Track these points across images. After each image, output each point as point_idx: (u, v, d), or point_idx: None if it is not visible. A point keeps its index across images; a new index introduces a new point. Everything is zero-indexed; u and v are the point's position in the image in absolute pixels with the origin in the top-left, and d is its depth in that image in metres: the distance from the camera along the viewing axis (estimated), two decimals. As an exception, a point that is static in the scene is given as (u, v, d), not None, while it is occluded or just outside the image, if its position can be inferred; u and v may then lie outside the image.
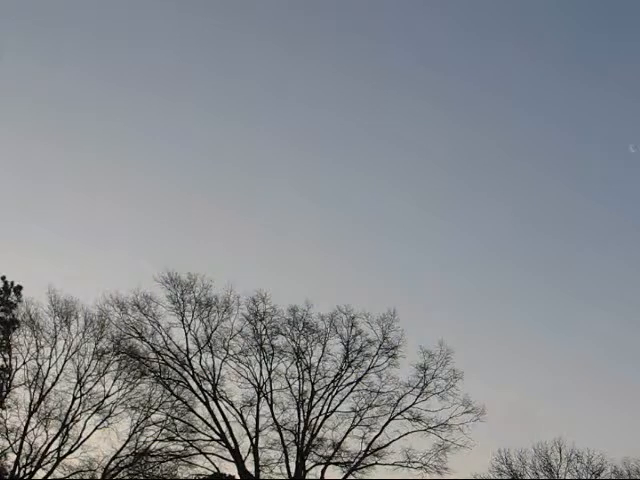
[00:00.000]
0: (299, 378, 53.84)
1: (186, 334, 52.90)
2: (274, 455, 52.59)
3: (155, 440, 51.23)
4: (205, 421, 51.71)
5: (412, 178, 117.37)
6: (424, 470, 52.10)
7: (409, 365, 54.39)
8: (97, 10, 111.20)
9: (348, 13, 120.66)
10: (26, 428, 48.29)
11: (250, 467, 51.09)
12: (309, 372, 53.85)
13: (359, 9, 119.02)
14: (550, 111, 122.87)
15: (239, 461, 50.77)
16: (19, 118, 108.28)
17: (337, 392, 53.71)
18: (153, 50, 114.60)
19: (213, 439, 51.33)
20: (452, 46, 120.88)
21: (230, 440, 51.10)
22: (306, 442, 52.16)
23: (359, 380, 54.01)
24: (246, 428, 51.92)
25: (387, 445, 52.84)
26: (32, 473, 47.87)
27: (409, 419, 53.39)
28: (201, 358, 52.89)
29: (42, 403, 49.19)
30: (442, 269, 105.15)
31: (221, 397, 52.51)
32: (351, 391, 53.89)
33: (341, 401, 53.66)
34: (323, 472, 52.02)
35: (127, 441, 50.05)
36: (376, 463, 52.86)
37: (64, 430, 48.87)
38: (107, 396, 50.38)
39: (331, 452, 52.78)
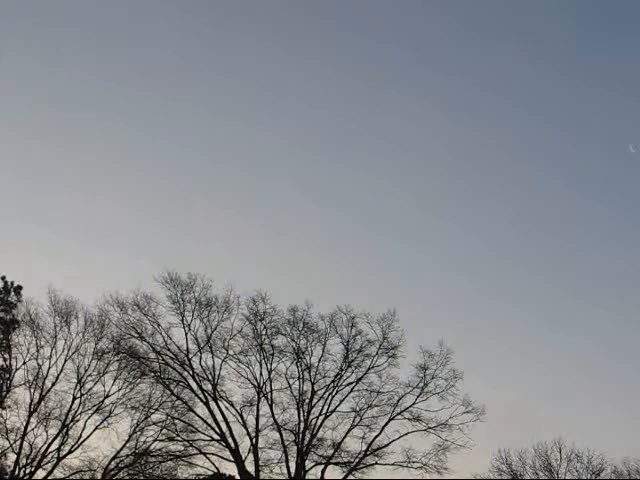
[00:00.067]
0: (299, 378, 53.87)
1: (186, 334, 52.96)
2: (274, 455, 52.72)
3: (155, 440, 51.25)
4: (205, 421, 51.73)
5: (412, 178, 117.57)
6: (424, 470, 52.18)
7: (409, 365, 54.52)
8: (97, 10, 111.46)
9: (348, 13, 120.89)
10: (26, 428, 48.30)
11: (250, 467, 51.17)
12: (309, 372, 53.87)
13: (359, 9, 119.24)
14: (550, 111, 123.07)
15: (239, 461, 50.78)
16: (19, 118, 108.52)
17: (337, 392, 53.75)
18: (153, 50, 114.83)
19: (213, 439, 51.34)
20: (452, 46, 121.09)
21: (230, 440, 51.12)
22: (306, 442, 52.17)
23: (359, 380, 54.03)
24: (246, 428, 51.96)
25: (387, 445, 52.90)
26: (32, 473, 47.87)
27: (409, 419, 53.43)
28: (201, 358, 53.00)
29: (42, 403, 49.21)
30: (442, 269, 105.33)
31: (221, 397, 52.56)
32: (351, 391, 53.96)
33: (341, 401, 53.72)
34: (323, 472, 52.04)
35: (127, 441, 50.07)
36: (376, 463, 52.91)
37: (64, 430, 48.88)
38: (107, 396, 50.41)
39: (331, 452, 52.79)
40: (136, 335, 52.25)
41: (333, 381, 53.86)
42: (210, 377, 52.61)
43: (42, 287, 51.91)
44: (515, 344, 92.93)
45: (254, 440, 51.70)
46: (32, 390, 49.19)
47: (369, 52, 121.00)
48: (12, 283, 52.10)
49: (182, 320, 52.97)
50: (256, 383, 53.19)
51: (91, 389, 50.34)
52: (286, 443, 52.10)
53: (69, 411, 49.31)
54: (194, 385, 52.27)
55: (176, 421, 52.01)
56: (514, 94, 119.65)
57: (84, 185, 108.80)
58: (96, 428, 49.63)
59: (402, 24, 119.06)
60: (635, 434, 74.84)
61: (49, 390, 49.49)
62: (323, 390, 53.71)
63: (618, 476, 53.41)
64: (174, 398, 52.08)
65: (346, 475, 52.09)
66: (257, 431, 51.99)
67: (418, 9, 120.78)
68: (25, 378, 49.50)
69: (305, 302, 54.49)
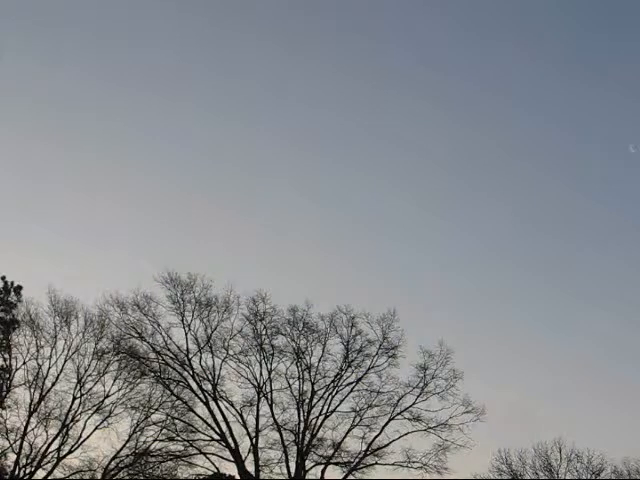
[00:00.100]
0: (299, 378, 53.87)
1: (186, 334, 52.96)
2: (274, 455, 52.72)
3: (155, 440, 51.25)
4: (205, 421, 51.73)
5: (412, 178, 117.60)
6: (424, 470, 52.18)
7: (409, 365, 54.52)
8: (97, 10, 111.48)
9: (348, 13, 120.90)
10: (26, 428, 48.30)
11: (250, 467, 51.17)
12: (309, 372, 53.86)
13: (359, 9, 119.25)
14: (550, 111, 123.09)
15: (239, 461, 50.77)
16: (19, 118, 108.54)
17: (337, 392, 53.75)
18: (153, 50, 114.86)
19: (213, 439, 51.34)
20: (452, 46, 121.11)
21: (230, 440, 51.12)
22: (306, 442, 52.16)
23: (359, 380, 54.02)
24: (246, 428, 51.96)
25: (387, 445, 52.89)
26: (32, 473, 47.87)
27: (409, 419, 53.42)
28: (201, 358, 53.00)
29: (42, 403, 49.20)
30: (442, 269, 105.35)
31: (221, 397, 52.55)
32: (351, 391, 53.96)
33: (341, 401, 53.71)
34: (323, 472, 52.04)
35: (127, 441, 50.06)
36: (376, 463, 52.91)
37: (64, 430, 48.87)
38: (107, 396, 50.41)
39: (331, 452, 52.79)
40: (136, 335, 52.28)
41: (333, 381, 53.88)
42: (210, 377, 52.63)
43: (42, 287, 52.07)
44: (515, 344, 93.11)
45: (254, 440, 51.70)
46: (32, 390, 49.24)
47: (369, 52, 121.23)
48: (12, 283, 52.11)
49: (182, 320, 53.03)
50: (256, 383, 53.24)
51: (91, 389, 50.38)
52: (286, 443, 52.11)
53: (69, 411, 49.31)
54: (194, 385, 52.32)
55: (176, 421, 52.03)
56: (514, 94, 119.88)
57: (84, 185, 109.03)
58: (96, 428, 49.67)
59: (402, 24, 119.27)
60: (635, 434, 74.99)
61: (49, 390, 49.50)
62: (323, 390, 53.75)
63: (618, 476, 53.41)
64: (174, 398, 52.09)
65: (346, 475, 52.09)
66: (257, 431, 51.99)
67: (418, 9, 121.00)
68: (25, 378, 49.55)
69: (305, 302, 54.62)
